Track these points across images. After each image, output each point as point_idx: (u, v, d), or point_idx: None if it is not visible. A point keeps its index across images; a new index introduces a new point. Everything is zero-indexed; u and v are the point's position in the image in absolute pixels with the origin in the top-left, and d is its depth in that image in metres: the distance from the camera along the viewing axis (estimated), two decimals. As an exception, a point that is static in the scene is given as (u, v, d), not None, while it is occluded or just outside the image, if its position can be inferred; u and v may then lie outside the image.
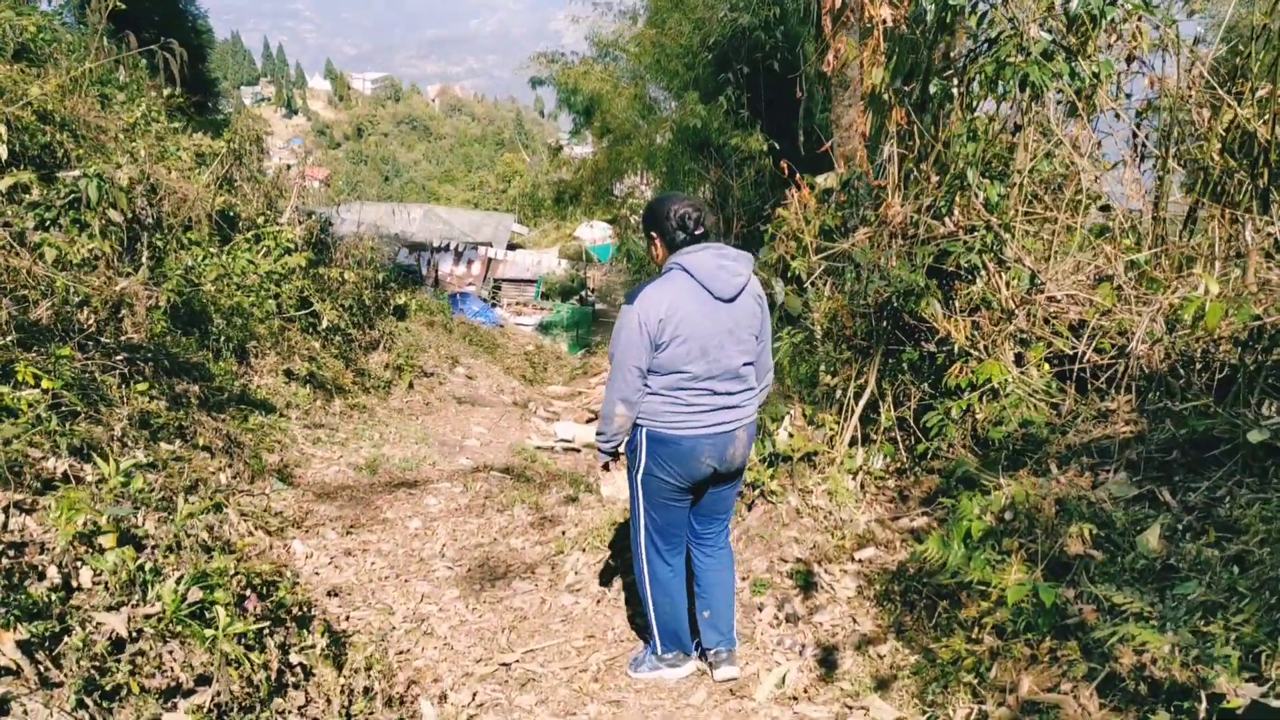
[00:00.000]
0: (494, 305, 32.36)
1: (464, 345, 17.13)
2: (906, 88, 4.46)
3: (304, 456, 8.20)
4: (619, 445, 3.69)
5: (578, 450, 11.24)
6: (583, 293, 34.69)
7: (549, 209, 30.32)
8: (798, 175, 5.08)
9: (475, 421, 11.86)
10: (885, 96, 4.47)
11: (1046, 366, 4.32)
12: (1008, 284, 4.28)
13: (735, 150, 18.73)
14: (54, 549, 3.29)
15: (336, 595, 4.93)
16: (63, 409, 4.83)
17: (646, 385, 3.50)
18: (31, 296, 5.33)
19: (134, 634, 3.07)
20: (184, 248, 9.20)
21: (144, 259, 7.13)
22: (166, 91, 10.84)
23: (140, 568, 3.32)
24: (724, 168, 19.28)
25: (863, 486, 4.61)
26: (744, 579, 4.39)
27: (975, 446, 4.31)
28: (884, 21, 4.36)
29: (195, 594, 3.19)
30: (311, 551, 5.80)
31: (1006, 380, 4.15)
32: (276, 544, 5.80)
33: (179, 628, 3.09)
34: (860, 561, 4.13)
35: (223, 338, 8.62)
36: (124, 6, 9.34)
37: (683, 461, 3.55)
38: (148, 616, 3.14)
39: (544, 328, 28.11)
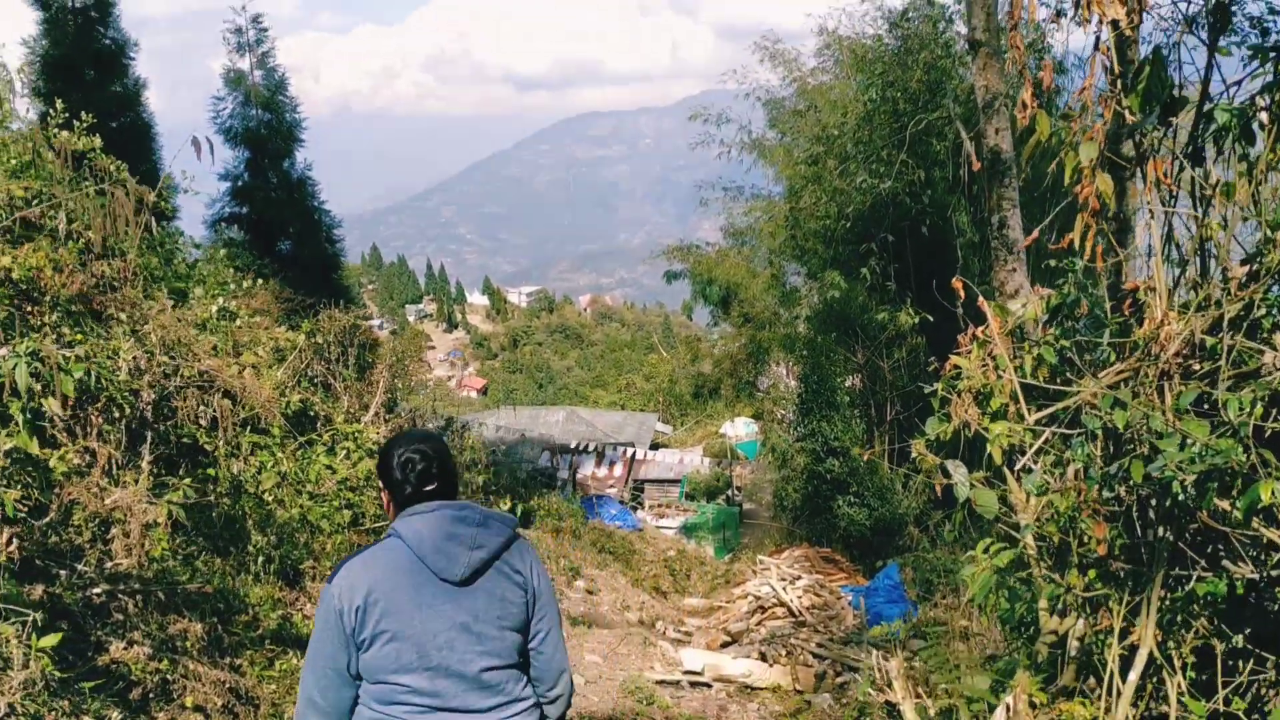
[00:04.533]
0: (635, 507, 30.74)
1: (592, 554, 15.36)
2: (1169, 121, 2.65)
3: (347, 711, 6.46)
4: None
5: (708, 686, 9.15)
6: (729, 492, 32.75)
7: (689, 404, 29.03)
8: (979, 300, 3.24)
9: (588, 648, 9.97)
10: (1136, 137, 2.67)
11: None
12: None
13: (882, 328, 16.93)
14: None
15: None
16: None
17: (354, 696, 2.61)
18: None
19: None
20: (251, 452, 7.98)
21: (144, 463, 5.77)
22: (246, 284, 9.94)
23: None
24: (871, 348, 17.46)
25: (1155, 837, 2.52)
26: None
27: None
28: (1113, 24, 2.62)
29: None
30: None
31: None
32: None
33: None
34: None
35: (261, 557, 7.16)
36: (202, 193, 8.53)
37: None
38: None
39: (688, 530, 26.21)
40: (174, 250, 9.78)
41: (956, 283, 3.41)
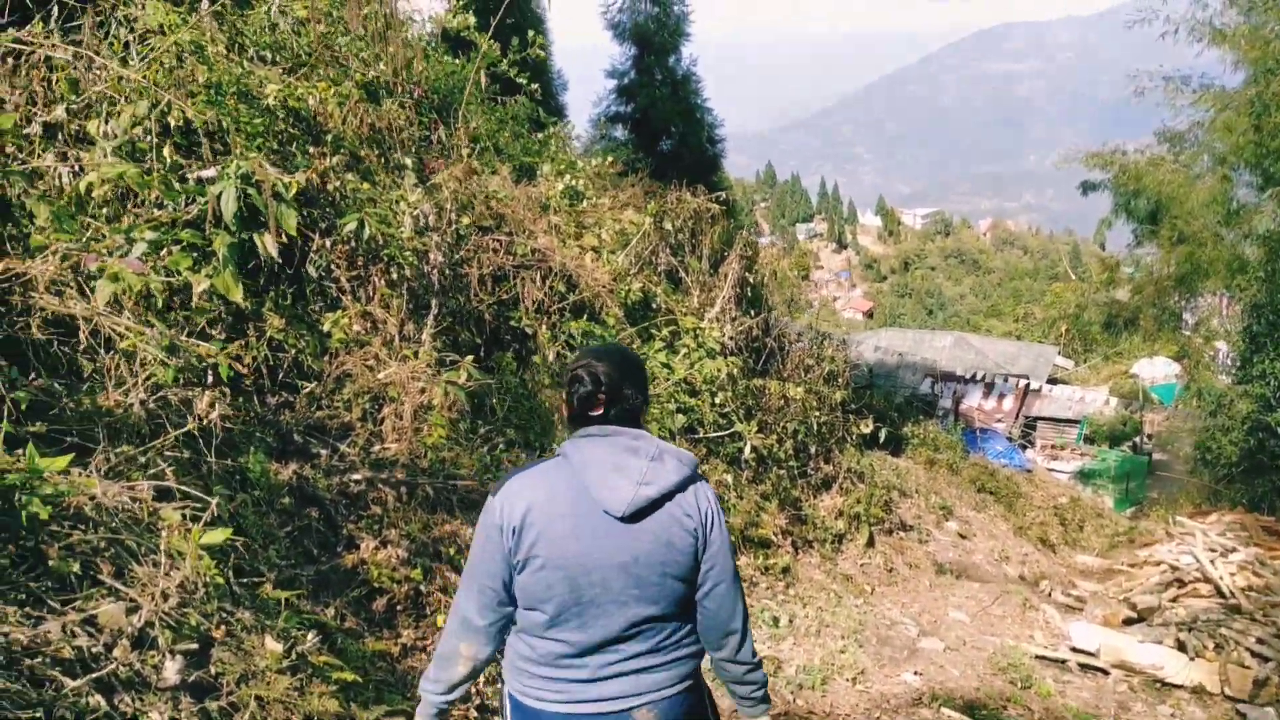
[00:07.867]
0: (1025, 446, 27.87)
1: (969, 492, 13.56)
2: None
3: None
4: (450, 702, 2.45)
5: (1104, 672, 7.31)
6: (1136, 439, 28.76)
7: (1096, 337, 25.48)
8: None
9: (954, 604, 8.44)
10: None
11: None
12: None
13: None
14: None
15: None
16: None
17: (510, 620, 2.40)
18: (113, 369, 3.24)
19: None
20: (582, 341, 7.27)
21: (426, 335, 5.01)
22: (595, 163, 9.17)
23: None
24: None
25: None
26: None
27: None
28: None
29: None
30: None
31: None
32: None
33: None
34: None
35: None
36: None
37: None
38: None
39: (1084, 476, 23.26)
40: (516, 123, 9.21)
41: None
